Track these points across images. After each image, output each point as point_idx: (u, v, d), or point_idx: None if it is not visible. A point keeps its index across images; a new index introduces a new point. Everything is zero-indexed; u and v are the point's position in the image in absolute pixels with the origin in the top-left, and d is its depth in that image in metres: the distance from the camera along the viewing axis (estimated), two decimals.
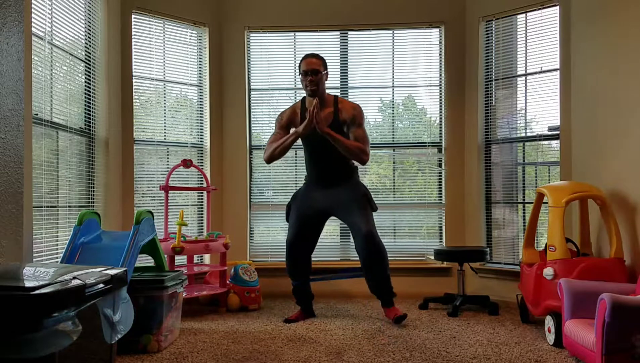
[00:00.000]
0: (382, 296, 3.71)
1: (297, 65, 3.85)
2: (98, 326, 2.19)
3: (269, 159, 3.74)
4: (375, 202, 3.89)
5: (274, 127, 3.87)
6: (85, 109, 3.88)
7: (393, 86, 4.93)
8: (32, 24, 2.99)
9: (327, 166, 3.78)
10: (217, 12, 4.88)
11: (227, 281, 4.16)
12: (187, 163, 4.23)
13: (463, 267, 4.15)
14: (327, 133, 3.53)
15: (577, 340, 2.61)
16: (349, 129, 3.71)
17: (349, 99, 4.30)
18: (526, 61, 4.51)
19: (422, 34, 4.90)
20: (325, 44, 4.95)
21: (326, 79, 3.78)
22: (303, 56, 3.78)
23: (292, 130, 3.72)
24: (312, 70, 3.65)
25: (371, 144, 4.90)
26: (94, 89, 3.96)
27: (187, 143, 4.73)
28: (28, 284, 1.86)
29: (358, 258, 4.69)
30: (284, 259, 3.86)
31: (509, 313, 3.94)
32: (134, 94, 4.35)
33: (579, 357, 2.68)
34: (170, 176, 4.19)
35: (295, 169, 4.96)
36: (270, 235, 5.00)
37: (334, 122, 3.67)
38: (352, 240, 4.75)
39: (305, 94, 3.79)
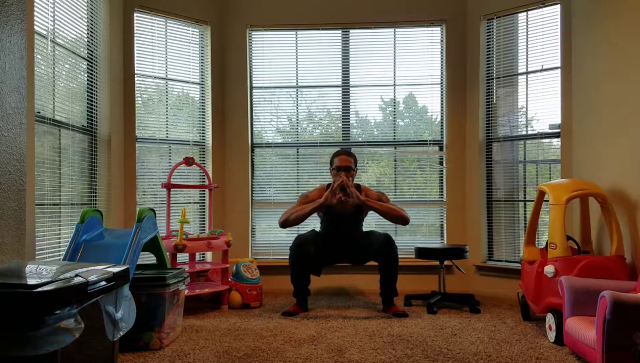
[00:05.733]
0: (387, 295, 3.90)
1: (330, 160, 4.09)
2: (100, 323, 2.20)
3: (283, 224, 3.94)
4: None
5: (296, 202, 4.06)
6: (87, 107, 3.90)
7: (394, 84, 4.93)
8: (35, 22, 3.00)
9: (345, 234, 4.02)
10: (219, 10, 4.89)
11: (229, 279, 4.17)
12: (189, 161, 4.23)
13: (443, 265, 4.17)
14: (364, 202, 3.84)
15: (578, 338, 2.61)
16: None
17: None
18: (527, 59, 4.51)
19: (424, 32, 4.91)
20: (326, 42, 4.96)
21: (355, 176, 4.02)
22: (336, 151, 4.05)
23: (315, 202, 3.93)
24: (346, 167, 3.93)
25: (372, 142, 4.94)
26: (96, 87, 3.97)
27: (189, 141, 4.74)
28: (30, 281, 1.87)
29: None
30: (286, 257, 3.88)
31: (510, 311, 3.94)
32: (136, 92, 4.36)
33: (579, 355, 2.68)
34: (172, 173, 4.20)
35: (297, 167, 4.97)
36: (272, 232, 5.01)
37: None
38: None
39: (330, 183, 4.02)
